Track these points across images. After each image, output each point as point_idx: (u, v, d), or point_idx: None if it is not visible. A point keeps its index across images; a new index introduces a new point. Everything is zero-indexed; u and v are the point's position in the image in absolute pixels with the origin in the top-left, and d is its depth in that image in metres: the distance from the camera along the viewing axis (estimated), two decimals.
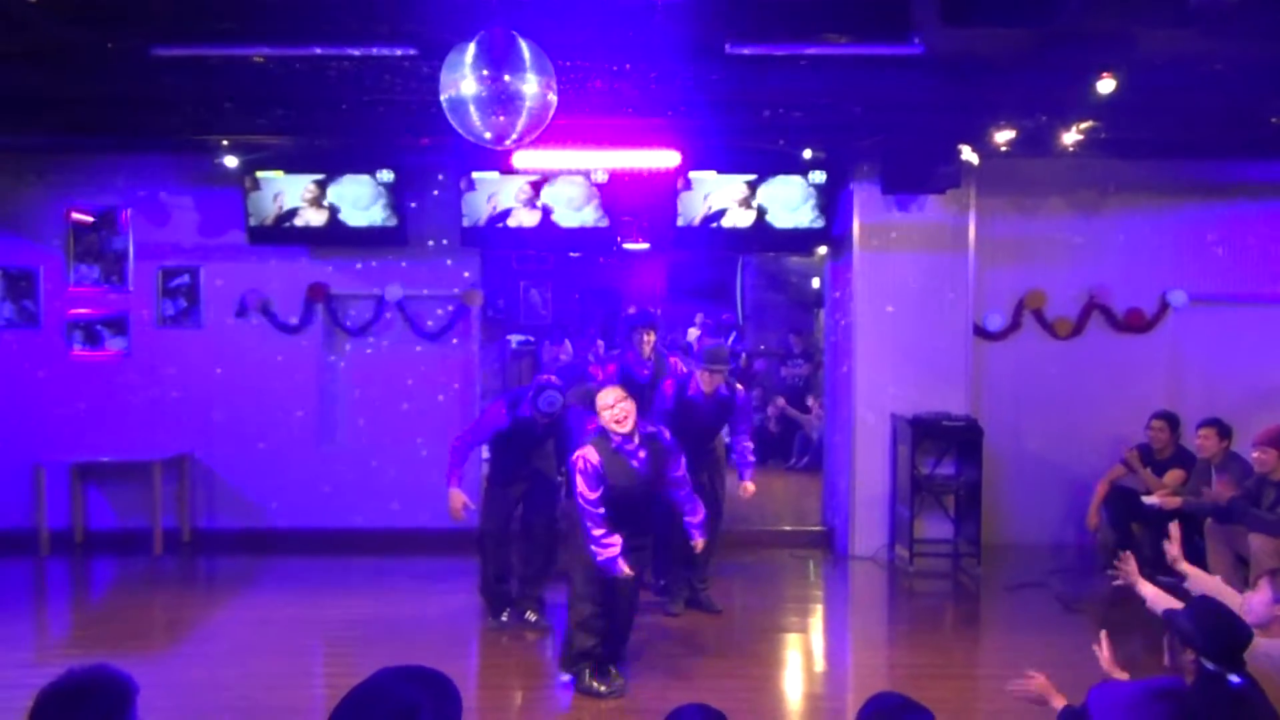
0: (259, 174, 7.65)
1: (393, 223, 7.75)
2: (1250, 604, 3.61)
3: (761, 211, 7.61)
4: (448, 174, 7.76)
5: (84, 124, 6.56)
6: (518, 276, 14.84)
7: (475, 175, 7.62)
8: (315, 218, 7.73)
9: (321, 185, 7.68)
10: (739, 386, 6.33)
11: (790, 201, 7.63)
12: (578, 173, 7.62)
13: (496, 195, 7.66)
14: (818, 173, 7.57)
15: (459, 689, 2.09)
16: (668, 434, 5.15)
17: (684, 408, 6.06)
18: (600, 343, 13.00)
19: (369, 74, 5.51)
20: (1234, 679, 2.73)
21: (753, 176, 7.56)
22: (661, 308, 14.82)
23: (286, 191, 7.68)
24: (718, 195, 7.57)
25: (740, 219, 7.61)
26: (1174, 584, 6.60)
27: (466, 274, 8.10)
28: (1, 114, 6.22)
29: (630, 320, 6.56)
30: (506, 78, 3.81)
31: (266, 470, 8.06)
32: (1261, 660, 3.15)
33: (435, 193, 7.97)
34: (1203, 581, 3.89)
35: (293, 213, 7.72)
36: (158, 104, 6.15)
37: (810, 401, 11.01)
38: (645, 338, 6.39)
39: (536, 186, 7.66)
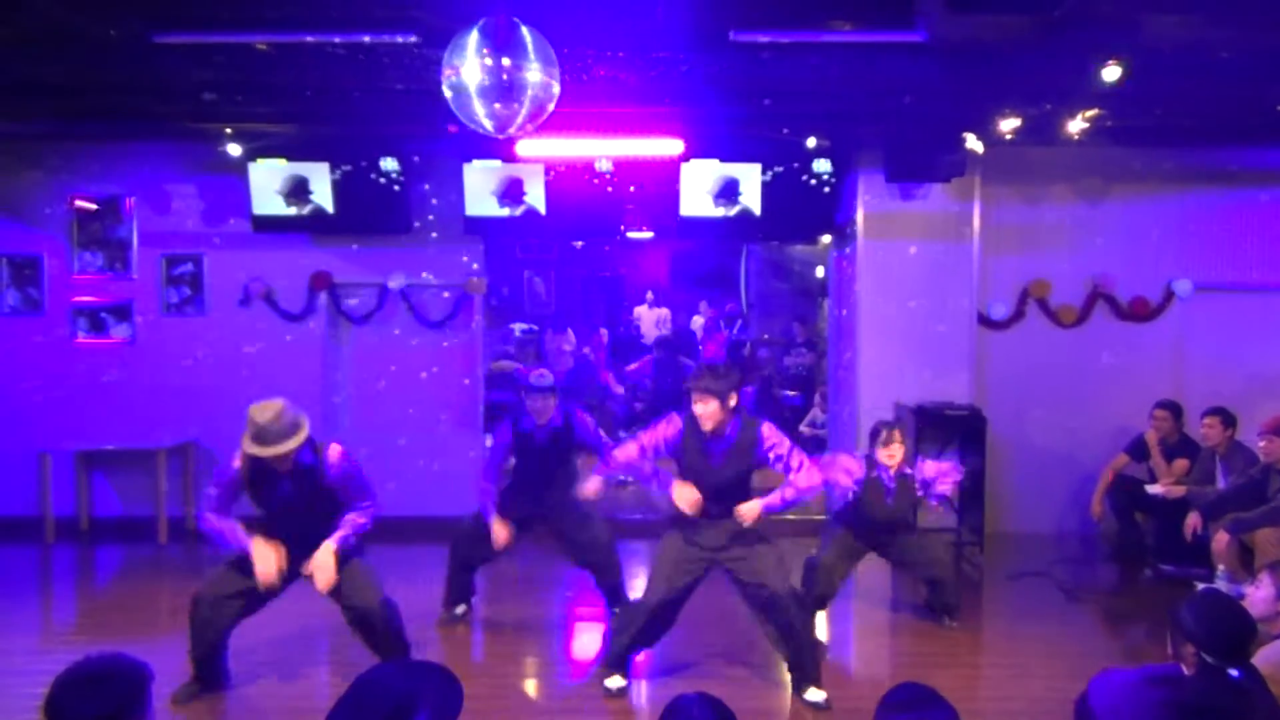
0: (261, 161, 7.65)
1: (395, 211, 7.75)
2: (1253, 599, 3.60)
3: (765, 200, 7.59)
4: (451, 162, 7.75)
5: (86, 111, 6.57)
6: (521, 265, 14.86)
7: (478, 163, 7.62)
8: (318, 206, 7.73)
9: (323, 173, 7.68)
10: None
11: (794, 190, 7.61)
12: (581, 161, 7.62)
13: (499, 183, 7.67)
14: (822, 161, 7.56)
15: (461, 682, 2.11)
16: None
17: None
18: (604, 331, 13.03)
19: (371, 61, 5.50)
20: (1234, 672, 2.72)
21: (757, 165, 7.56)
22: (665, 295, 14.86)
23: (288, 179, 7.69)
24: (720, 184, 7.56)
25: (743, 208, 7.59)
26: (1178, 574, 6.66)
27: (469, 262, 8.10)
28: (4, 101, 6.22)
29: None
30: (509, 65, 3.80)
31: None
32: (1265, 664, 3.14)
33: (438, 181, 7.96)
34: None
35: (296, 201, 7.72)
36: (159, 91, 6.13)
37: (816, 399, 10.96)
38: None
39: (540, 175, 7.66)
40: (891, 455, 5.57)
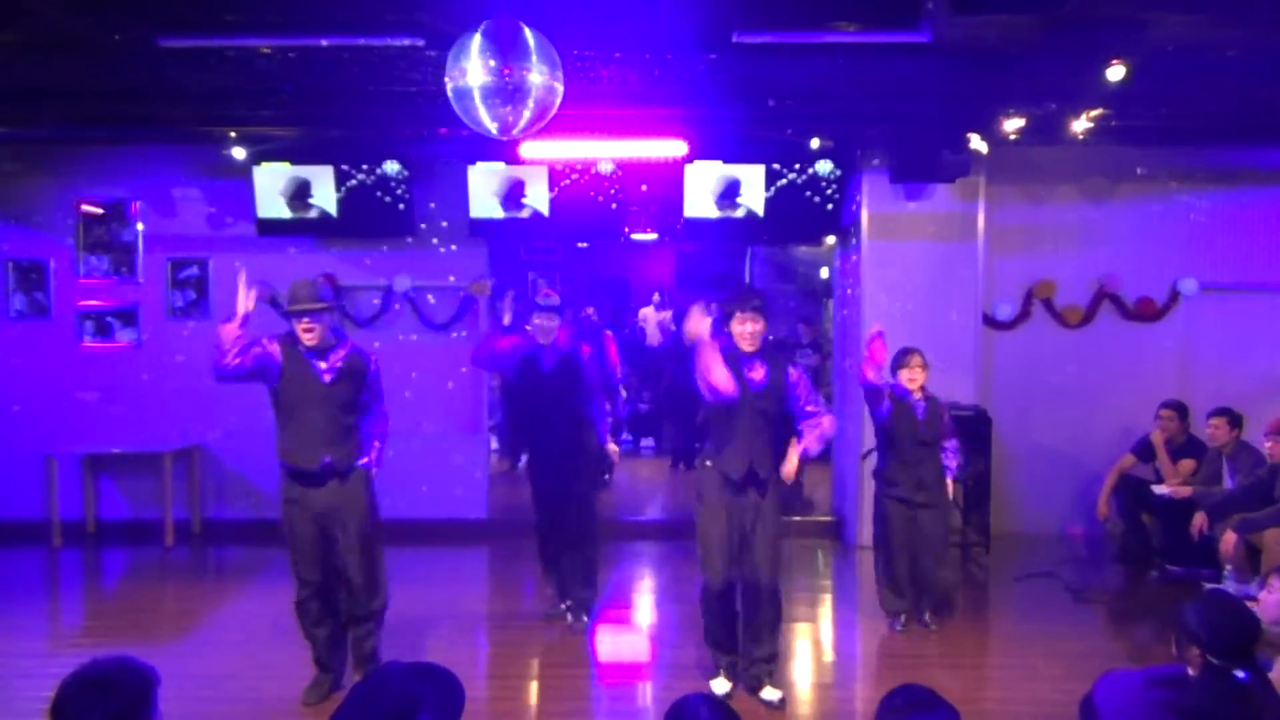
0: (265, 165, 7.67)
1: (399, 214, 7.77)
2: (1265, 604, 3.59)
3: (769, 201, 7.59)
4: (455, 164, 7.76)
5: (92, 116, 6.58)
6: (525, 267, 14.86)
7: (483, 165, 7.63)
8: (321, 209, 7.74)
9: (327, 176, 7.69)
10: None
11: (798, 191, 7.61)
12: (584, 163, 7.62)
13: (502, 186, 7.68)
14: (826, 162, 7.56)
15: (463, 684, 2.12)
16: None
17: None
18: (608, 334, 13.03)
19: (375, 65, 5.51)
20: (1240, 674, 2.70)
21: (760, 166, 7.56)
22: (668, 295, 14.87)
23: (290, 182, 7.71)
24: (724, 185, 7.56)
25: (747, 209, 7.60)
26: (1185, 575, 6.65)
27: (474, 264, 8.11)
28: (10, 106, 6.25)
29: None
30: (512, 67, 3.80)
31: (276, 461, 8.07)
32: None
33: (442, 184, 7.97)
34: None
35: (298, 204, 7.74)
36: (165, 95, 6.15)
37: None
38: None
39: (544, 177, 7.67)
40: (913, 378, 5.69)
